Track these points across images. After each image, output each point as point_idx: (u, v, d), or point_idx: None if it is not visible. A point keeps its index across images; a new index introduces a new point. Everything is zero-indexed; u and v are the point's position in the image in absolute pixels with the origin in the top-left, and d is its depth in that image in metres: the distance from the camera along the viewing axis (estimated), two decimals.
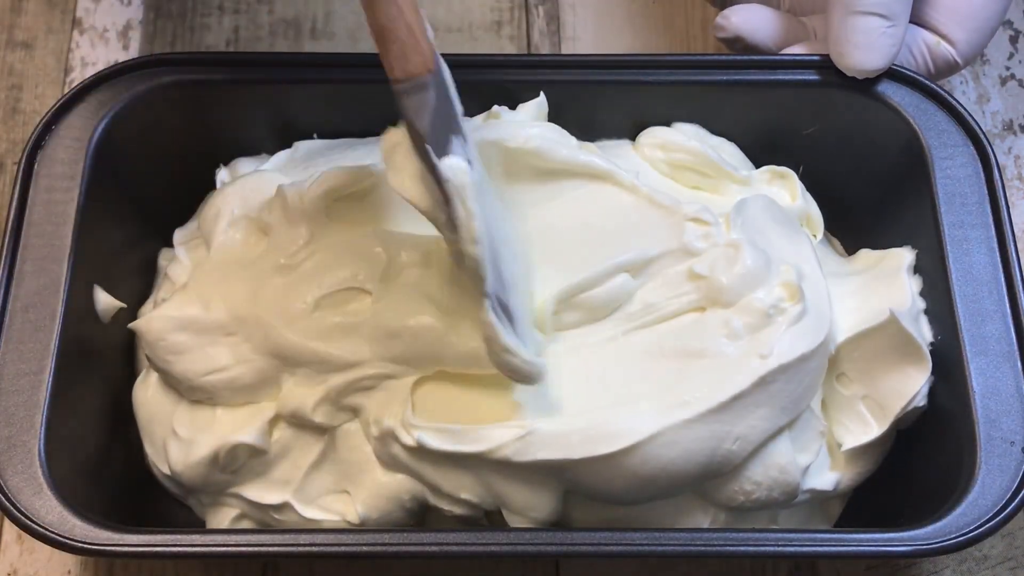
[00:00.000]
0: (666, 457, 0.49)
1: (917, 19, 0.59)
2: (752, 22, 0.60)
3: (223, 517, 0.54)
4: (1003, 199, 0.54)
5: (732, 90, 0.58)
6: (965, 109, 0.56)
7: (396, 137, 0.47)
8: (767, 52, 0.60)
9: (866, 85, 0.57)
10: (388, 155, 0.48)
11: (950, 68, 0.59)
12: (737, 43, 0.61)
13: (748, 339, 0.50)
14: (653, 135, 0.58)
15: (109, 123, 0.55)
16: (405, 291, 0.51)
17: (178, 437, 0.53)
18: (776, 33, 0.60)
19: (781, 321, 0.50)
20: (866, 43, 0.55)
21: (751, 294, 0.51)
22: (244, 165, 0.59)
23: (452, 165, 0.46)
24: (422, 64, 0.45)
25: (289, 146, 0.59)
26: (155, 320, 0.53)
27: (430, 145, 0.45)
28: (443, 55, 0.62)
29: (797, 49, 0.59)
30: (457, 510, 0.51)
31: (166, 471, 0.54)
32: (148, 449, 0.55)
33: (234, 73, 0.57)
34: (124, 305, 0.56)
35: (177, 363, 0.53)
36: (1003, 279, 0.52)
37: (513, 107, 0.57)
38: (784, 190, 0.58)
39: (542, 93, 0.57)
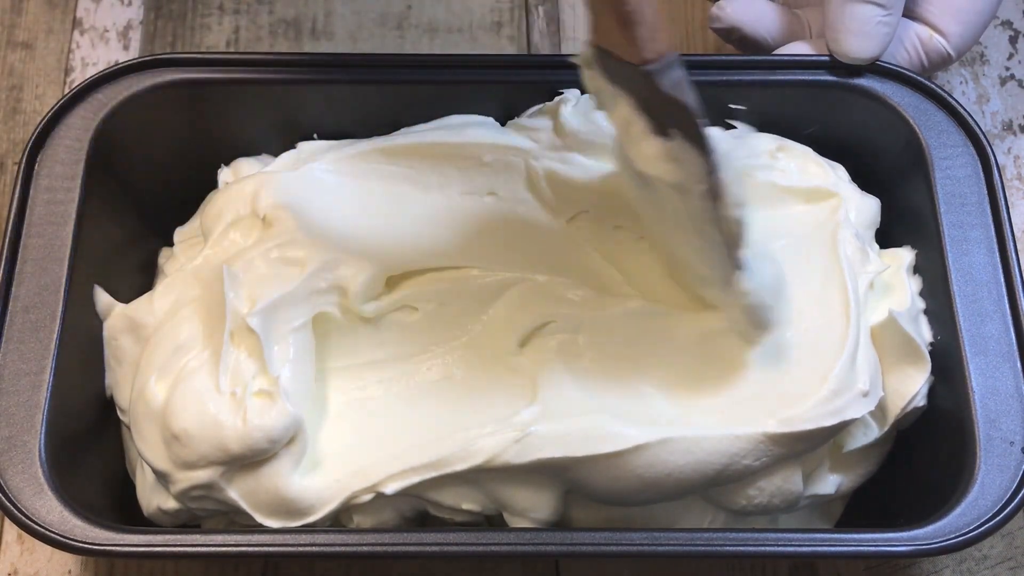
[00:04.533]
0: (673, 463, 0.49)
1: (910, 13, 0.59)
2: (748, 13, 0.61)
3: (217, 523, 0.54)
4: (1003, 199, 0.54)
5: (732, 90, 0.58)
6: (965, 109, 0.56)
7: (623, 114, 0.47)
8: (763, 44, 0.61)
9: (866, 85, 0.57)
10: (624, 131, 0.48)
11: (943, 61, 0.59)
12: (733, 34, 0.61)
13: None
14: None
15: (109, 123, 0.55)
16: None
17: (144, 473, 0.52)
18: (772, 25, 0.61)
19: None
20: (862, 31, 0.55)
21: None
22: (245, 165, 0.59)
23: (715, 135, 0.47)
24: (668, 42, 0.45)
25: (290, 146, 0.59)
26: (115, 316, 0.53)
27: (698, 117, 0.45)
28: (442, 55, 0.62)
29: (797, 48, 0.59)
30: (459, 518, 0.51)
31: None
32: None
33: (234, 73, 0.57)
34: (124, 305, 0.56)
35: (117, 372, 0.53)
36: (1003, 279, 0.52)
37: (516, 106, 0.57)
38: None
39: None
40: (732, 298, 0.49)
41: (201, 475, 0.49)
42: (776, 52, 0.60)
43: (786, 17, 0.61)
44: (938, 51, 0.59)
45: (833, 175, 0.57)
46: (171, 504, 0.51)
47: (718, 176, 0.46)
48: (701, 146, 0.45)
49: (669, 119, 0.46)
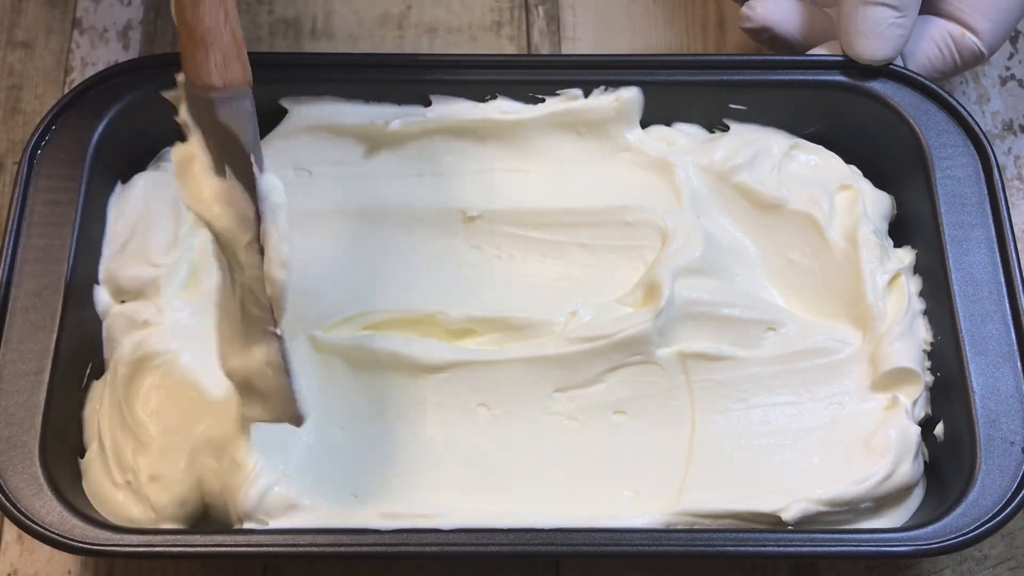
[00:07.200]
0: None
1: (940, 11, 0.59)
2: (778, 13, 0.60)
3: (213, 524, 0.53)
4: (1003, 199, 0.54)
5: (732, 91, 0.58)
6: (965, 109, 0.56)
7: (189, 151, 0.45)
8: (793, 43, 0.60)
9: (866, 85, 0.57)
10: (182, 170, 0.45)
11: (975, 59, 0.59)
12: (763, 34, 0.61)
13: None
14: (653, 134, 0.59)
15: (109, 123, 0.55)
16: None
17: (140, 473, 0.51)
18: (802, 24, 0.60)
19: None
20: (875, 33, 0.55)
21: None
22: None
23: (271, 183, 0.43)
24: (243, 76, 0.43)
25: None
26: (114, 316, 0.53)
27: (254, 157, 0.43)
28: (443, 55, 0.62)
29: (827, 48, 0.59)
30: None
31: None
32: None
33: None
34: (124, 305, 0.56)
35: (116, 372, 0.52)
36: (1003, 279, 0.52)
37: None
38: None
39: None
40: (253, 368, 0.46)
41: (199, 475, 0.49)
42: (808, 52, 0.60)
43: (816, 17, 0.61)
44: (970, 49, 0.58)
45: (848, 170, 0.57)
46: (167, 505, 0.50)
47: (265, 227, 0.43)
48: (251, 190, 0.43)
49: (227, 156, 0.43)
